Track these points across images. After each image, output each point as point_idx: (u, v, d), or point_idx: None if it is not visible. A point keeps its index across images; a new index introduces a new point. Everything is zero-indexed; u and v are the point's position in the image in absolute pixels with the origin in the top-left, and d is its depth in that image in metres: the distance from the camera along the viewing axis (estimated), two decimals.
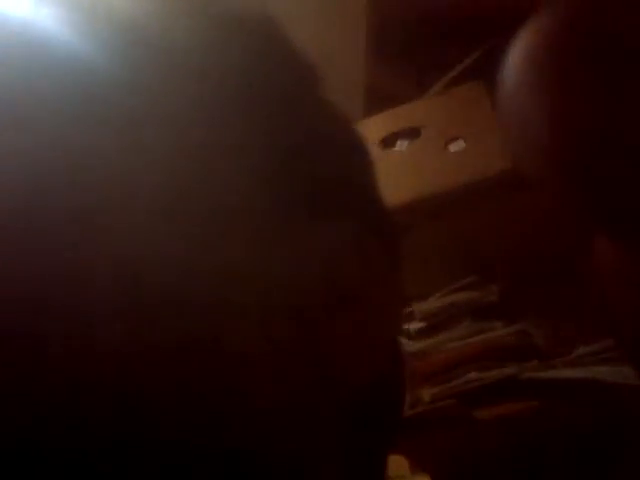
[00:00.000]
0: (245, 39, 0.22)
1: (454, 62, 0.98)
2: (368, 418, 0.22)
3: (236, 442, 0.18)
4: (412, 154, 0.96)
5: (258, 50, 0.22)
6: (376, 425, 0.23)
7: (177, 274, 0.18)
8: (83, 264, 0.17)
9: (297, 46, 0.25)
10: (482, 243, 0.96)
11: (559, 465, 0.88)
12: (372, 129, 1.02)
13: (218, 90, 0.20)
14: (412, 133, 0.98)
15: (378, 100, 1.09)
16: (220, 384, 0.18)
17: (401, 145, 0.99)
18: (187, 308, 0.17)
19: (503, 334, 0.94)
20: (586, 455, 0.85)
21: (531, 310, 0.95)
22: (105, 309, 0.16)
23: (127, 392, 0.16)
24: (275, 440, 0.19)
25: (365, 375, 0.22)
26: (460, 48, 0.96)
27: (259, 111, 0.21)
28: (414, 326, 1.01)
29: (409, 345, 1.01)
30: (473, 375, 0.93)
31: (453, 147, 0.93)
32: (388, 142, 1.00)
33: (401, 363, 0.26)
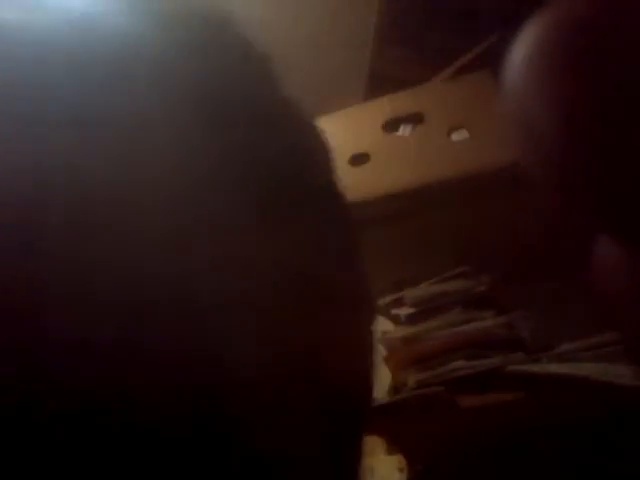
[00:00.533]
0: (198, 37, 0.22)
1: (464, 49, 0.97)
2: (344, 412, 0.23)
3: (218, 428, 0.18)
4: (414, 140, 0.96)
5: (213, 47, 0.22)
6: (351, 419, 0.24)
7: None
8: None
9: (252, 42, 0.25)
10: (478, 234, 0.96)
11: (540, 457, 0.89)
12: (376, 112, 1.02)
13: (174, 89, 0.20)
14: (416, 118, 0.98)
15: (383, 83, 1.09)
16: (206, 375, 0.18)
17: (404, 130, 0.99)
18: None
19: (491, 325, 0.95)
20: (568, 448, 0.86)
21: (519, 303, 0.96)
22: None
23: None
24: (256, 430, 0.19)
25: (343, 373, 0.22)
26: (471, 36, 0.96)
27: (217, 111, 0.21)
28: (404, 311, 1.02)
29: (398, 330, 1.02)
30: (460, 363, 0.94)
31: (455, 136, 0.93)
32: (391, 126, 0.99)
33: (372, 357, 0.26)
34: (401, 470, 1.06)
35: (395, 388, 0.98)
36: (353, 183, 0.99)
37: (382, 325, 1.10)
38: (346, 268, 0.24)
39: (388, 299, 1.05)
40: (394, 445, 0.98)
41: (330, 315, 0.22)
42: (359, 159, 0.97)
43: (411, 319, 1.02)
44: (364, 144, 0.98)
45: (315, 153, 0.27)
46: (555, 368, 0.88)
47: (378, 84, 1.13)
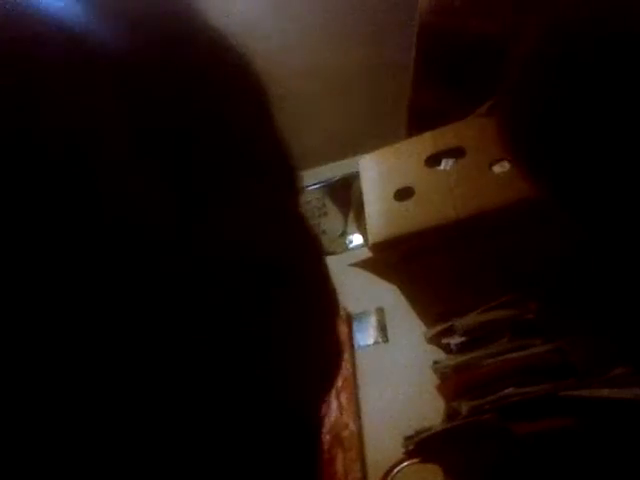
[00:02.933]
0: None
1: (498, 85, 1.00)
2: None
3: None
4: (457, 173, 0.98)
5: None
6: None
7: None
8: None
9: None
10: (523, 261, 0.98)
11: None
12: (418, 147, 1.06)
13: None
14: (457, 153, 1.01)
15: (423, 120, 1.13)
16: None
17: (446, 164, 1.02)
18: None
19: (541, 351, 0.96)
20: (623, 474, 0.86)
21: (569, 329, 0.96)
22: None
23: None
24: None
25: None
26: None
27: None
28: (454, 340, 1.04)
29: (449, 359, 1.04)
30: (511, 390, 0.95)
31: (497, 168, 0.95)
32: (433, 161, 1.03)
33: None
34: None
35: (449, 416, 1.00)
36: (399, 217, 1.03)
37: (434, 354, 1.12)
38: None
39: (438, 328, 1.07)
40: (450, 472, 0.99)
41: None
42: (404, 194, 1.00)
43: (461, 348, 1.03)
44: (408, 179, 1.01)
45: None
46: (607, 393, 0.88)
47: (421, 121, 1.17)
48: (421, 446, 1.00)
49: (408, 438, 1.03)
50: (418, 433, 1.02)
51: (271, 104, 0.24)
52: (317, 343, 0.24)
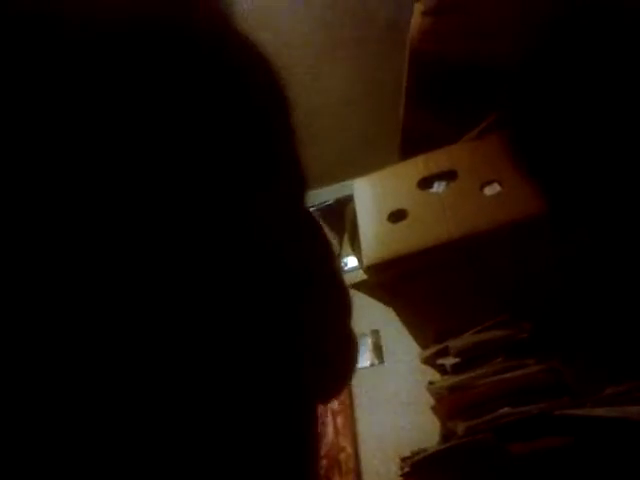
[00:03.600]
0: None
1: (488, 110, 1.02)
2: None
3: None
4: (449, 195, 1.00)
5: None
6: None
7: None
8: None
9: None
10: (515, 282, 0.99)
11: None
12: (411, 170, 1.07)
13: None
14: (449, 175, 1.03)
15: (416, 143, 1.14)
16: None
17: (438, 187, 1.03)
18: None
19: (535, 371, 0.96)
20: None
21: (562, 349, 0.97)
22: None
23: None
24: None
25: None
26: (496, 97, 1.01)
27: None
28: (449, 361, 1.04)
29: (444, 380, 1.04)
30: (506, 410, 0.96)
31: (488, 190, 0.97)
32: (426, 183, 1.04)
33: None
34: None
35: (445, 436, 1.00)
36: (393, 239, 1.05)
37: (429, 375, 1.12)
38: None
39: (433, 349, 1.08)
40: None
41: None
42: (397, 216, 1.02)
43: (456, 368, 1.04)
44: (401, 201, 1.03)
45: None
46: (600, 412, 0.89)
47: (414, 144, 1.18)
48: (417, 467, 1.01)
49: (404, 459, 1.03)
50: (414, 454, 1.03)
51: (289, 106, 0.24)
52: (332, 345, 0.25)
